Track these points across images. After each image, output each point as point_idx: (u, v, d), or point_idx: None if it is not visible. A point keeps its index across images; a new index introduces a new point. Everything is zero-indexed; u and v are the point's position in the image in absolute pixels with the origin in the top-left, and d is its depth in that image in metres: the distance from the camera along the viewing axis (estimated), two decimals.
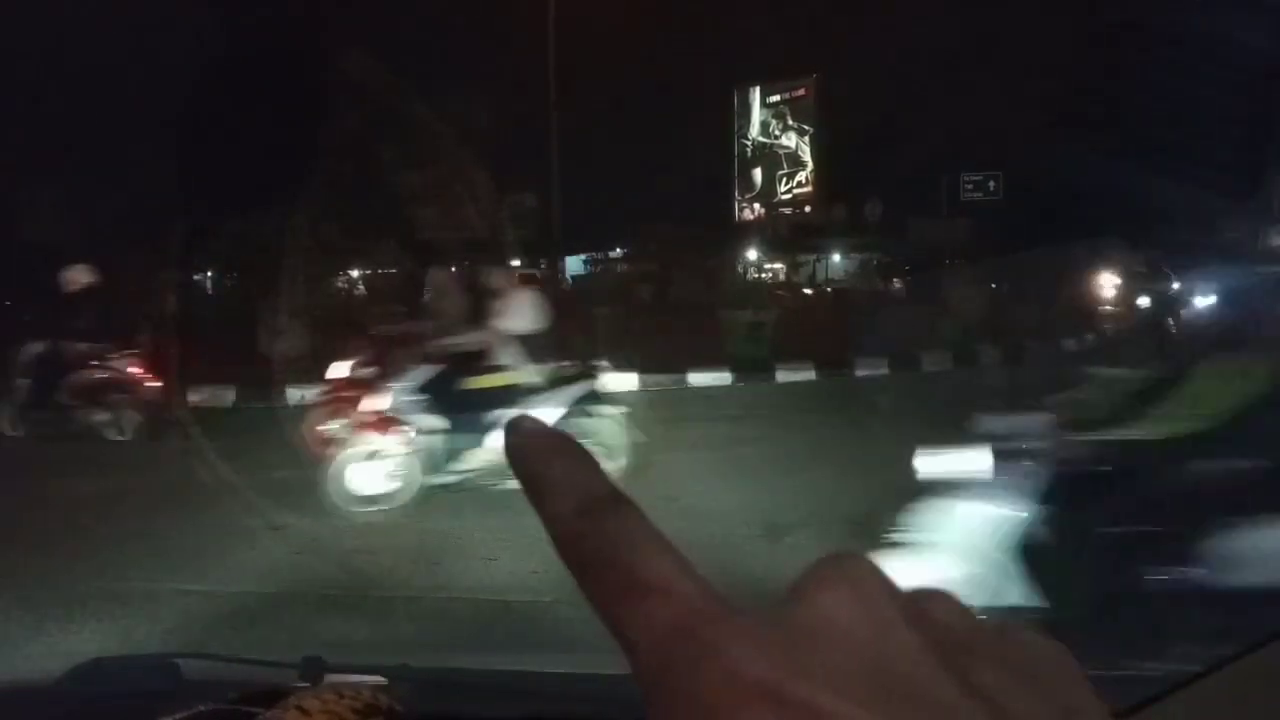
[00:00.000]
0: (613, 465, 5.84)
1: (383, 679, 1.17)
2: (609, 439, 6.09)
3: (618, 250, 34.54)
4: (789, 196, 38.52)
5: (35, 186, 16.08)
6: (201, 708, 1.03)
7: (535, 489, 0.31)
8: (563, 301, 16.66)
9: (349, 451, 5.63)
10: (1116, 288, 14.81)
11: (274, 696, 1.00)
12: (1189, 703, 0.94)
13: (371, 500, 5.51)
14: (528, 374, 6.11)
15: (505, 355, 6.13)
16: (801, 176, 38.37)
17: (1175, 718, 0.95)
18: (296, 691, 1.02)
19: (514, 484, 0.31)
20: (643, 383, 11.08)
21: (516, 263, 27.49)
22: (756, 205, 39.44)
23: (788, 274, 31.23)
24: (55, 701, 1.25)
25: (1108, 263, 13.94)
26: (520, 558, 4.59)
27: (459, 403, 5.80)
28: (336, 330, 12.87)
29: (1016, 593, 2.76)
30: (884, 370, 11.60)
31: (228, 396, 10.67)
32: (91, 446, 8.10)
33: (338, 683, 1.07)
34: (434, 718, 1.18)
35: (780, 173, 38.99)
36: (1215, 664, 0.94)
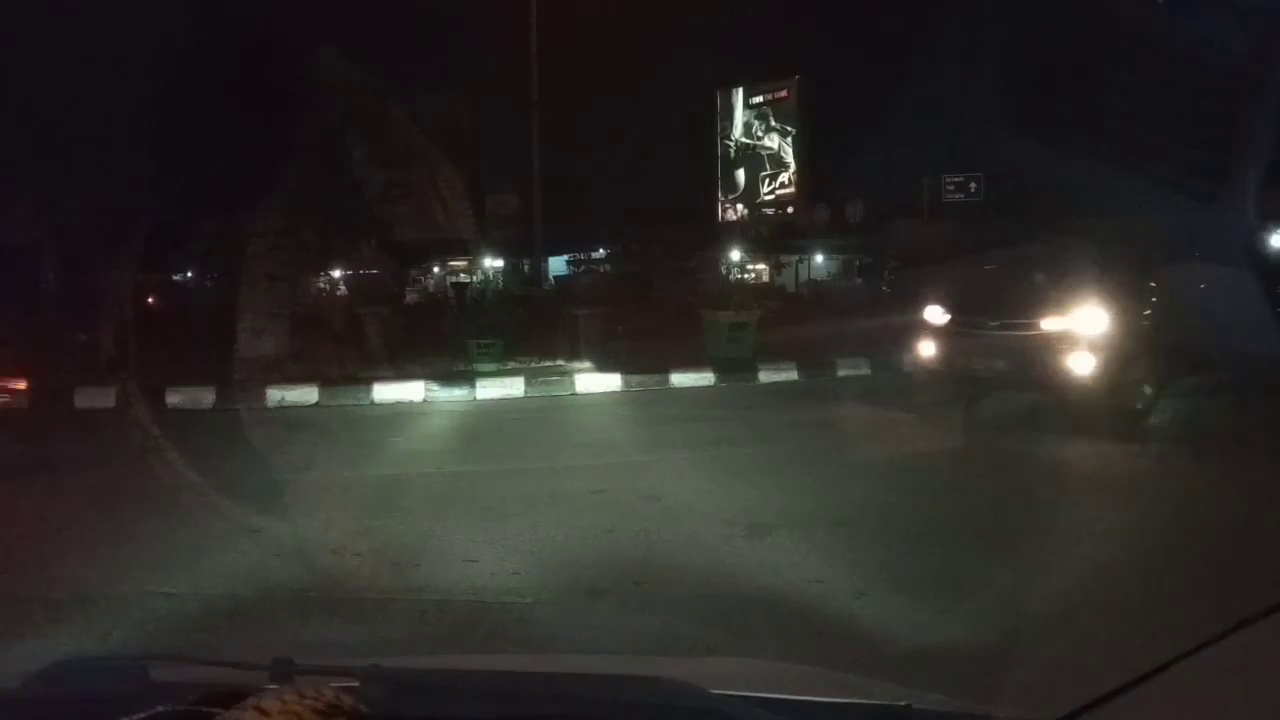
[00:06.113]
0: None
1: (353, 680, 1.16)
2: None
3: (600, 251, 34.54)
4: (771, 197, 38.68)
5: (9, 185, 15.88)
6: (160, 709, 1.02)
7: None
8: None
9: None
10: None
11: (235, 698, 0.99)
12: (1153, 695, 0.95)
13: None
14: None
15: None
16: (784, 177, 38.52)
17: (1143, 711, 0.96)
18: (259, 692, 1.01)
19: None
20: (625, 383, 11.09)
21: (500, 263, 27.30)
22: (739, 206, 39.57)
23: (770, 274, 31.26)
24: (19, 705, 1.24)
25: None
26: (501, 559, 4.58)
27: None
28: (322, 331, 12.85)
29: None
30: (865, 370, 11.64)
31: (207, 397, 10.58)
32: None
33: (302, 683, 1.06)
34: (405, 719, 1.18)
35: (763, 174, 39.12)
36: (1176, 656, 0.95)
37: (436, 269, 31.48)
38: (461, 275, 27.73)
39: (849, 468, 6.50)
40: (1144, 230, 9.73)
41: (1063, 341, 7.68)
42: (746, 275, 30.82)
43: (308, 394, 10.71)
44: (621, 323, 13.98)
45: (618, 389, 11.02)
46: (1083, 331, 7.70)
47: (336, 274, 21.02)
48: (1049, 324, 7.85)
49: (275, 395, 10.62)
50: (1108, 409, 7.55)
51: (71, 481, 6.49)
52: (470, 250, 23.02)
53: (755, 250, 32.70)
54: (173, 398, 10.39)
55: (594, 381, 11.12)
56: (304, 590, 4.25)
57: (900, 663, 3.11)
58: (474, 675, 1.36)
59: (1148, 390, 7.87)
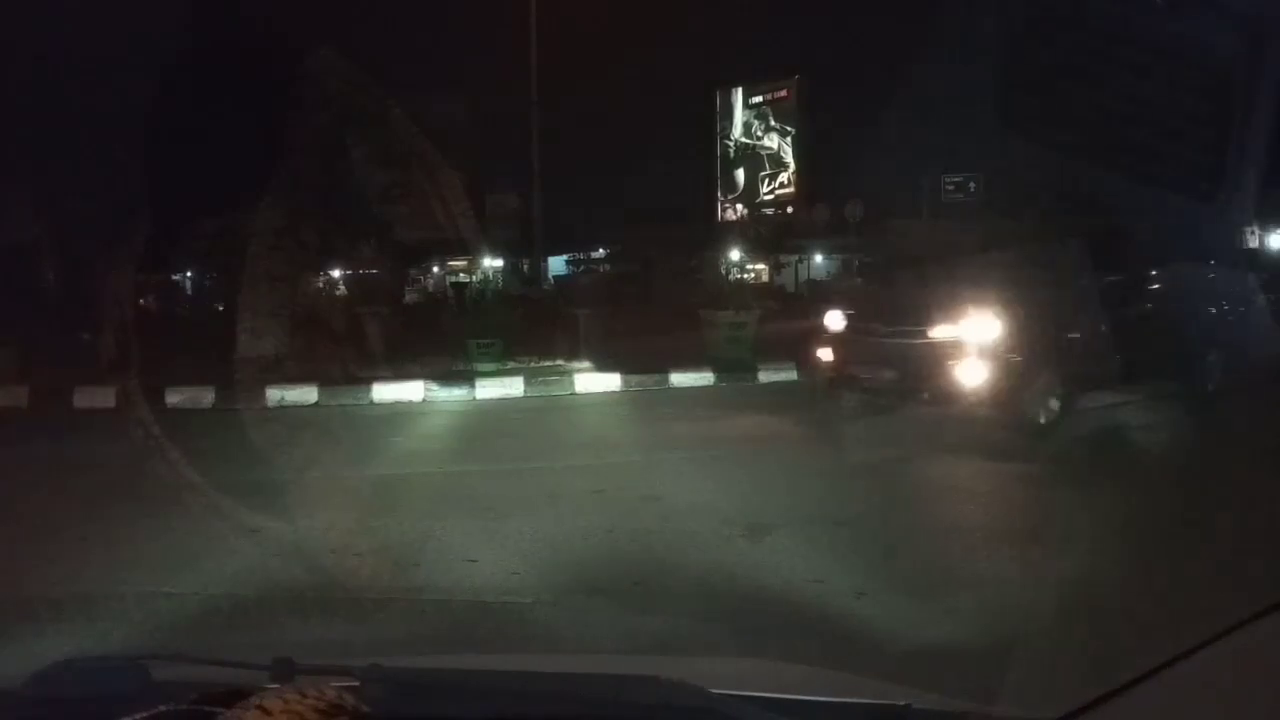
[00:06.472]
0: None
1: (354, 680, 1.17)
2: None
3: (600, 250, 34.56)
4: (771, 197, 38.66)
5: (9, 185, 15.89)
6: (162, 708, 1.03)
7: None
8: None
9: None
10: None
11: (236, 696, 0.99)
12: (1153, 693, 0.95)
13: None
14: None
15: None
16: (783, 177, 38.50)
17: (1143, 709, 0.96)
18: (260, 691, 1.02)
19: None
20: (625, 383, 11.09)
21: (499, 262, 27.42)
22: (739, 206, 39.56)
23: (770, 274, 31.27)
24: (19, 705, 1.24)
25: None
26: (501, 559, 4.59)
27: None
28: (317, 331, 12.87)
29: None
30: None
31: (206, 397, 10.58)
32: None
33: (303, 683, 1.06)
34: (406, 718, 1.18)
35: (762, 173, 39.11)
36: (1176, 655, 0.96)
37: (436, 269, 31.50)
38: (461, 275, 27.74)
39: (848, 468, 6.51)
40: (1132, 230, 9.36)
41: (951, 350, 7.21)
42: (746, 275, 30.83)
43: (307, 394, 10.71)
44: (621, 323, 13.98)
45: (617, 389, 11.02)
46: (973, 340, 7.18)
47: (336, 274, 21.03)
48: (938, 331, 7.34)
49: (275, 395, 10.62)
50: (1003, 423, 7.09)
51: (71, 481, 6.49)
52: (470, 250, 23.01)
53: (755, 250, 32.70)
54: (172, 398, 10.39)
55: (593, 381, 11.12)
56: (304, 590, 4.25)
57: (900, 663, 3.11)
58: (474, 675, 1.36)
59: (1054, 404, 7.33)
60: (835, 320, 8.43)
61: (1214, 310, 9.04)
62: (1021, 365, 7.21)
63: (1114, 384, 7.61)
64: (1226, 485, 5.32)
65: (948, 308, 7.43)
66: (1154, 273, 8.62)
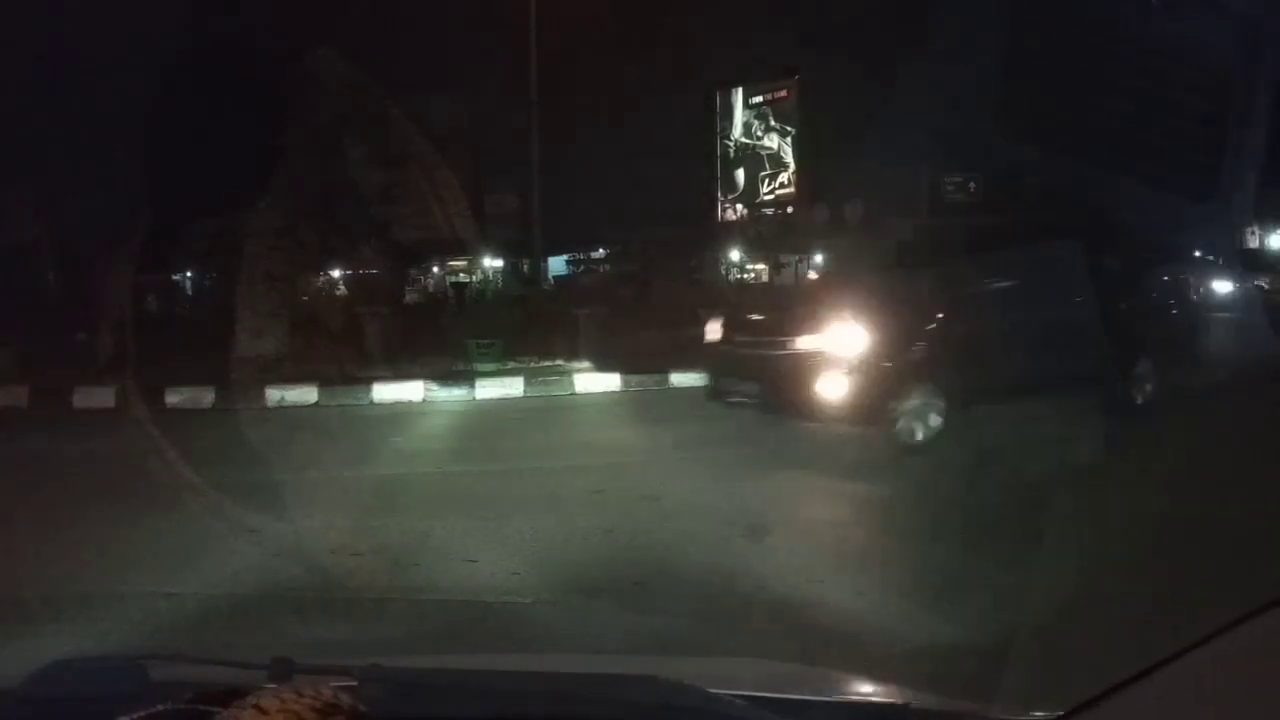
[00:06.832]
0: None
1: (352, 680, 1.17)
2: None
3: (600, 251, 34.57)
4: (771, 197, 38.64)
5: (9, 185, 15.91)
6: (159, 707, 1.03)
7: None
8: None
9: None
10: None
11: (234, 696, 0.99)
12: (1151, 691, 0.95)
13: None
14: None
15: None
16: (783, 177, 38.48)
17: (1142, 708, 0.96)
18: (257, 691, 1.02)
19: None
20: (625, 383, 11.09)
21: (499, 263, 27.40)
22: (739, 206, 39.54)
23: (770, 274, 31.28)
24: (19, 704, 1.24)
25: None
26: (501, 559, 4.59)
27: None
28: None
29: None
30: None
31: (206, 397, 10.58)
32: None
33: (301, 682, 1.07)
34: (404, 718, 1.18)
35: (762, 174, 39.09)
36: (1176, 651, 0.96)
37: (436, 269, 31.50)
38: (461, 275, 27.75)
39: (848, 467, 6.50)
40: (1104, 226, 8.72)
41: (813, 363, 6.73)
42: (746, 275, 30.84)
43: (307, 394, 10.71)
44: (621, 323, 13.98)
45: (617, 389, 11.02)
46: (836, 351, 6.70)
47: (336, 274, 21.04)
48: (801, 343, 6.89)
49: (274, 395, 10.62)
50: (873, 440, 6.69)
51: (71, 481, 6.49)
52: (470, 250, 23.03)
53: (755, 250, 32.70)
54: (172, 398, 10.39)
55: (593, 381, 11.13)
56: (304, 590, 4.25)
57: (900, 663, 3.11)
58: (473, 675, 1.36)
59: (935, 420, 6.75)
60: (713, 330, 8.02)
61: (1154, 313, 8.45)
62: (893, 379, 6.74)
63: (1019, 398, 6.75)
64: (1099, 516, 4.64)
65: (810, 317, 6.99)
66: (1081, 274, 7.54)
